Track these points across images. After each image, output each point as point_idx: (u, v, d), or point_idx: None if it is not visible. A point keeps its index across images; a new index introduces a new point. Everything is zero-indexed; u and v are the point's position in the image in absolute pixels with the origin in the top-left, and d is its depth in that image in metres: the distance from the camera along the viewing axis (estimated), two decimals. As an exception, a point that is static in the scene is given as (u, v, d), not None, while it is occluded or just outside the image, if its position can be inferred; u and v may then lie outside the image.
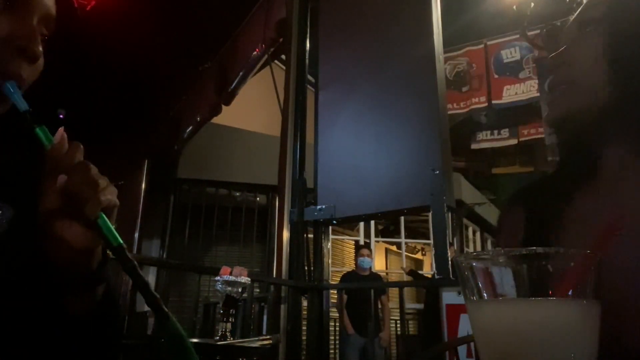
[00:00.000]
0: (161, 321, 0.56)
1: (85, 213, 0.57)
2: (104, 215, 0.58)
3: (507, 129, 8.38)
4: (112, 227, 0.58)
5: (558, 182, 0.72)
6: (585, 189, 0.67)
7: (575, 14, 0.71)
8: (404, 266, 7.91)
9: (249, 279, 2.03)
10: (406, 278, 6.69)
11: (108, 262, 0.63)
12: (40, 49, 0.64)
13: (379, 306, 5.20)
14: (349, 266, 7.60)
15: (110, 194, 0.59)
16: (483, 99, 7.54)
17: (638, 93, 0.60)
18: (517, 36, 6.91)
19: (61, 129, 0.59)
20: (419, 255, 10.38)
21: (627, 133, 0.63)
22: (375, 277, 5.76)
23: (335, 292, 5.41)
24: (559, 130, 0.70)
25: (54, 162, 0.58)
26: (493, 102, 7.43)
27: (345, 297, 5.18)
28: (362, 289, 4.81)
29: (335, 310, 5.26)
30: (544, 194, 0.72)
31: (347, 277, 5.65)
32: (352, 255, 7.79)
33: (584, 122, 0.65)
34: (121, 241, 0.58)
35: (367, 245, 6.47)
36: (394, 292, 5.77)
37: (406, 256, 8.55)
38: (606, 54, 0.63)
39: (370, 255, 5.53)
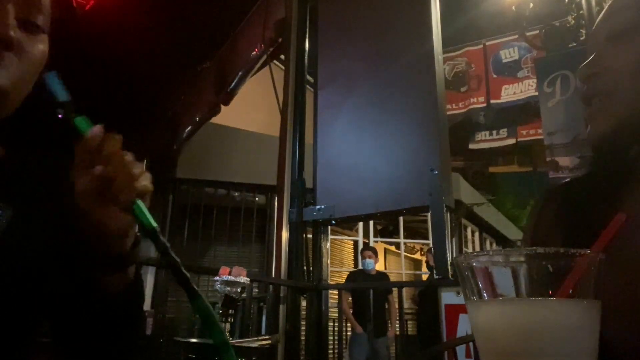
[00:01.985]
0: (191, 299, 0.60)
1: (121, 200, 0.59)
2: (139, 200, 0.61)
3: (505, 129, 8.39)
4: (146, 211, 0.61)
5: (596, 184, 0.70)
6: (623, 193, 0.65)
7: (599, 22, 0.69)
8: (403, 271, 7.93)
9: (248, 279, 2.03)
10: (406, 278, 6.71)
11: (139, 245, 0.67)
12: (12, 33, 0.61)
13: (386, 306, 5.21)
14: (348, 266, 7.61)
15: (144, 180, 0.62)
16: (482, 99, 7.56)
17: None
18: (516, 36, 6.92)
19: (99, 127, 0.61)
20: (417, 256, 10.39)
21: None
22: (382, 276, 5.78)
23: (336, 292, 5.41)
24: (600, 147, 0.68)
25: (90, 151, 0.60)
26: (492, 101, 7.45)
27: (349, 297, 5.18)
28: (368, 288, 4.84)
29: (335, 310, 5.26)
30: (585, 194, 0.70)
31: (353, 276, 5.66)
32: (351, 255, 7.80)
33: (625, 136, 0.63)
34: (155, 224, 0.61)
35: (369, 247, 6.46)
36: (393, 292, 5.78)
37: (405, 256, 8.56)
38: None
39: (372, 257, 5.55)
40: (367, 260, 5.44)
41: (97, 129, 0.60)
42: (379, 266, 8.98)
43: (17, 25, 0.62)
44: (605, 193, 0.66)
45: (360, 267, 7.31)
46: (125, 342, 0.71)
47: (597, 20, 0.69)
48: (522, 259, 0.40)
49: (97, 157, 0.59)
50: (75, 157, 0.61)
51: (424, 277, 8.37)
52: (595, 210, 0.64)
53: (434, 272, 2.41)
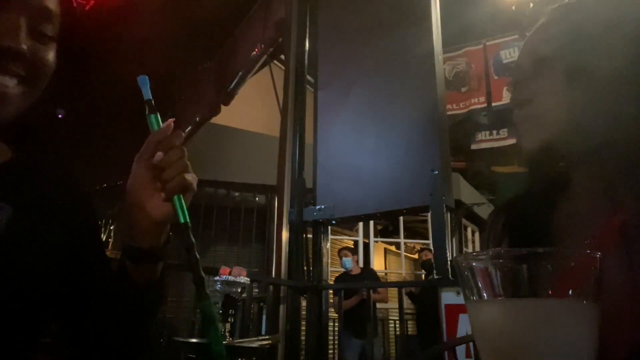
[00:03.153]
0: (200, 300, 0.65)
1: (167, 188, 0.67)
2: (181, 195, 0.68)
3: (505, 129, 8.38)
4: (185, 207, 0.69)
5: (533, 199, 0.77)
6: (558, 208, 0.72)
7: (524, 51, 0.75)
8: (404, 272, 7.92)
9: (248, 279, 2.03)
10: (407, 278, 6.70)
11: (170, 243, 0.73)
12: (24, 46, 0.63)
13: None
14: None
15: (193, 179, 0.69)
16: (482, 99, 7.55)
17: (600, 122, 0.64)
18: (517, 36, 6.92)
19: (170, 121, 0.71)
20: (417, 256, 10.38)
21: (593, 162, 0.68)
22: (369, 274, 5.68)
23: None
24: (531, 162, 0.75)
25: (157, 142, 0.68)
26: (493, 103, 7.44)
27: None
28: (355, 290, 4.83)
29: (334, 310, 5.25)
30: (524, 210, 0.77)
31: (339, 280, 5.61)
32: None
33: (553, 153, 0.70)
34: (189, 220, 0.68)
35: (346, 248, 6.29)
36: (392, 292, 5.76)
37: (405, 256, 8.56)
38: (565, 89, 0.67)
39: (349, 255, 5.48)
40: (345, 259, 5.36)
41: (168, 124, 0.70)
42: (379, 266, 8.99)
43: (29, 36, 0.65)
44: (541, 208, 0.73)
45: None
46: (136, 338, 0.74)
47: (522, 49, 0.76)
48: (522, 259, 0.40)
49: (160, 147, 0.67)
50: (143, 146, 0.69)
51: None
52: (534, 226, 0.72)
53: (434, 272, 2.41)
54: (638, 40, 0.62)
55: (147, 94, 0.72)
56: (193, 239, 0.67)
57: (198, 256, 0.66)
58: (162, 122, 0.71)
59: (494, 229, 0.81)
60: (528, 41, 0.75)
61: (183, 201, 0.69)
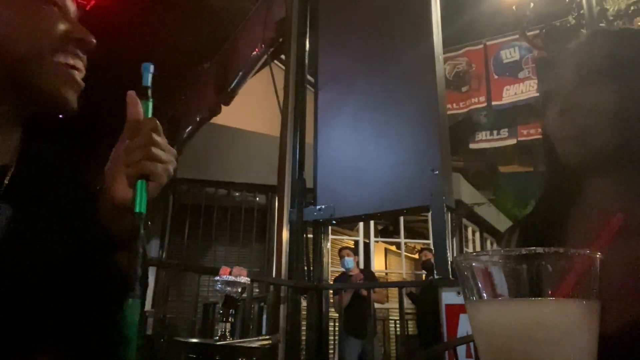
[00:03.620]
0: (126, 297, 0.60)
1: (126, 172, 0.65)
2: (144, 184, 0.65)
3: (506, 129, 8.37)
4: (144, 196, 0.65)
5: (549, 211, 0.79)
6: (572, 215, 0.75)
7: (568, 64, 0.77)
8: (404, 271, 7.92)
9: (249, 279, 2.03)
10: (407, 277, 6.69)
11: (141, 219, 0.67)
12: (94, 40, 0.73)
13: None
14: (349, 266, 7.59)
15: (159, 169, 0.66)
16: (482, 99, 7.54)
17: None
18: (517, 36, 6.91)
19: (134, 99, 0.69)
20: (418, 256, 10.37)
21: (623, 170, 0.71)
22: (368, 275, 5.58)
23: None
24: (576, 171, 0.76)
25: (128, 129, 0.68)
26: (493, 103, 7.44)
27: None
28: (369, 288, 4.79)
29: (334, 310, 5.25)
30: (539, 224, 0.79)
31: (338, 280, 5.58)
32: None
33: (597, 163, 0.72)
34: (143, 210, 0.64)
35: (349, 247, 6.11)
36: (393, 292, 5.75)
37: (405, 256, 8.55)
38: (614, 110, 0.70)
39: (351, 255, 5.35)
40: (347, 258, 5.24)
41: (133, 103, 0.69)
42: (380, 266, 8.98)
43: None
44: (555, 221, 0.75)
45: (363, 267, 7.30)
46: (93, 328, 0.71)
47: (565, 62, 0.78)
48: (522, 259, 0.40)
49: (128, 133, 0.67)
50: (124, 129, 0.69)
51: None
52: (546, 240, 0.73)
53: (434, 271, 2.41)
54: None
55: (147, 80, 0.71)
56: (142, 231, 0.63)
57: (142, 250, 0.62)
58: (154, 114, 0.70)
59: (508, 245, 0.83)
60: (574, 54, 0.78)
61: (145, 189, 0.66)
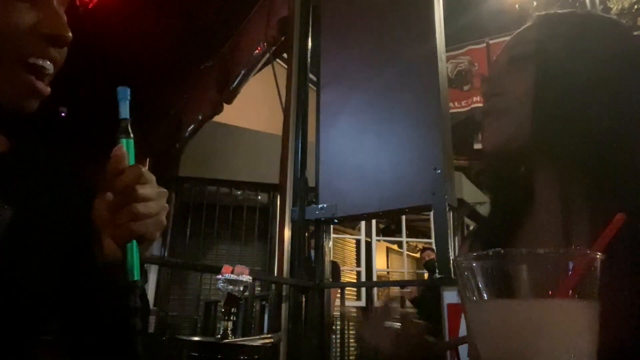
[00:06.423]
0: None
1: (114, 234, 0.57)
2: (135, 245, 0.57)
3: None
4: (137, 260, 0.57)
5: (500, 216, 0.78)
6: (526, 219, 0.74)
7: (504, 48, 0.79)
8: (406, 267, 7.91)
9: (250, 278, 2.03)
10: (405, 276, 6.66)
11: (134, 290, 0.61)
12: (70, 33, 0.63)
13: None
14: (350, 265, 7.60)
15: (150, 227, 0.58)
16: (485, 97, 7.53)
17: (561, 125, 0.67)
18: (519, 35, 6.90)
19: (120, 151, 0.59)
20: (419, 255, 10.36)
21: (553, 159, 0.70)
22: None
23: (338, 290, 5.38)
24: (492, 159, 0.77)
25: (110, 177, 0.58)
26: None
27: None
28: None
29: (337, 309, 5.24)
30: (493, 231, 0.79)
31: None
32: (353, 254, 7.78)
33: (513, 151, 0.72)
34: (137, 278, 0.57)
35: None
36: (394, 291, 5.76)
37: (407, 255, 8.55)
38: (534, 89, 0.70)
39: None
40: None
41: (118, 155, 0.59)
42: (381, 265, 8.98)
43: None
44: (507, 228, 0.75)
45: (364, 266, 7.29)
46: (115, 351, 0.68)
47: (503, 46, 0.79)
48: (522, 259, 0.40)
49: (110, 187, 0.58)
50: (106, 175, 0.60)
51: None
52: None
53: (436, 271, 2.41)
54: (601, 55, 0.68)
55: (125, 111, 0.60)
56: (139, 303, 0.57)
57: (141, 325, 0.56)
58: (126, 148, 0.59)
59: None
60: (509, 41, 0.79)
61: (136, 252, 0.57)
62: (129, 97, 0.59)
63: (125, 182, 0.57)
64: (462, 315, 2.56)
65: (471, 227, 8.86)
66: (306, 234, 2.88)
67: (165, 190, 0.62)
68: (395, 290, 5.23)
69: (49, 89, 0.63)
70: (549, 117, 0.68)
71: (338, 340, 5.58)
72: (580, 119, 0.66)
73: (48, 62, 0.61)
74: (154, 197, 0.59)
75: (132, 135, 0.60)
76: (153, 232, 0.59)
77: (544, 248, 0.39)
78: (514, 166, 0.76)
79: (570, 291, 0.38)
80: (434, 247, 5.45)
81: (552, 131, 0.68)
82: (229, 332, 1.91)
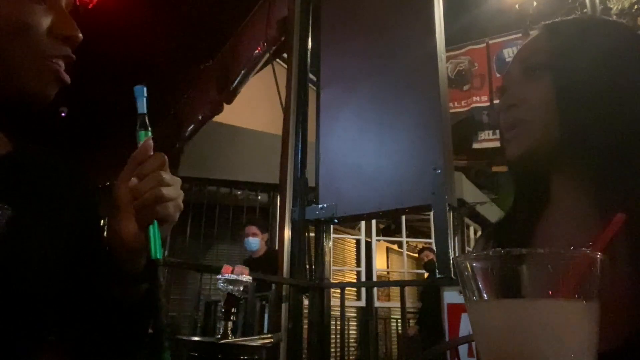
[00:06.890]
0: (156, 352, 0.58)
1: (138, 217, 0.63)
2: (156, 225, 0.63)
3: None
4: (159, 240, 0.63)
5: (519, 215, 0.80)
6: (542, 218, 0.75)
7: (515, 60, 0.79)
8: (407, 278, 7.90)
9: (250, 278, 2.03)
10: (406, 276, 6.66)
11: (158, 267, 0.65)
12: (80, 34, 0.68)
13: None
14: (350, 265, 7.60)
15: (171, 209, 0.64)
16: (485, 97, 7.53)
17: (584, 131, 0.69)
18: (520, 35, 6.89)
19: (149, 140, 0.65)
20: (418, 255, 10.35)
21: (576, 164, 0.72)
22: (269, 258, 3.98)
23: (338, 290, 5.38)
24: (517, 167, 0.78)
25: (136, 163, 0.64)
26: (495, 102, 7.43)
27: None
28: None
29: (337, 308, 5.22)
30: (510, 229, 0.80)
31: (245, 264, 4.20)
32: (353, 254, 7.79)
33: (539, 157, 0.73)
34: (159, 256, 0.62)
35: (255, 221, 4.69)
36: (394, 291, 5.76)
37: (407, 255, 8.55)
38: (554, 97, 0.71)
39: (257, 234, 4.19)
40: (250, 239, 4.15)
41: (146, 145, 0.65)
42: (382, 265, 8.98)
43: None
44: (524, 226, 0.76)
45: (364, 266, 7.30)
46: (125, 350, 0.71)
47: (514, 58, 0.80)
48: (522, 259, 0.40)
49: (135, 173, 0.64)
50: (125, 166, 0.65)
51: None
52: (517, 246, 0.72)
53: (436, 271, 2.41)
54: (615, 60, 0.69)
55: (142, 106, 0.66)
56: (162, 279, 0.61)
57: (163, 301, 0.60)
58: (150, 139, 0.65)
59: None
60: (519, 52, 0.80)
61: (158, 232, 0.63)
62: (145, 94, 0.66)
63: (153, 167, 0.63)
64: (463, 315, 2.57)
65: (478, 233, 8.87)
66: (306, 234, 2.88)
67: (179, 178, 0.67)
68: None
69: (69, 78, 0.68)
70: (576, 122, 0.69)
71: (338, 341, 5.58)
72: (609, 121, 0.67)
73: (68, 56, 0.68)
74: (172, 182, 0.65)
75: (149, 128, 0.66)
76: (173, 214, 0.66)
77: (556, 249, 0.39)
78: (538, 171, 0.77)
79: (571, 291, 0.38)
80: (433, 247, 5.45)
81: (582, 135, 0.69)
82: (229, 332, 1.91)
